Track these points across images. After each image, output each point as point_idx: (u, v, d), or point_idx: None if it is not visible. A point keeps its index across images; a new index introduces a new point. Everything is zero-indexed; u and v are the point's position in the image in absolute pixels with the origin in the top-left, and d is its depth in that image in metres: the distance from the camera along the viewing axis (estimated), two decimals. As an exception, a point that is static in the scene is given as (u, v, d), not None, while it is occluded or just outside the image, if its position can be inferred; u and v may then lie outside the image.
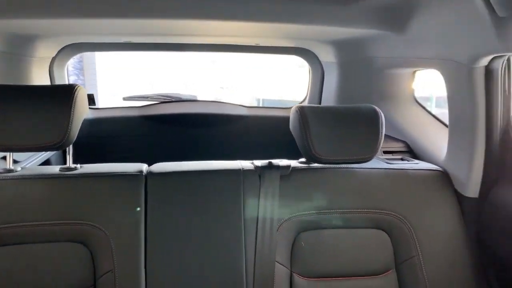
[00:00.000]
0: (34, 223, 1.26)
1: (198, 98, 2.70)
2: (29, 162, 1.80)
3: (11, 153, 1.39)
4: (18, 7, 1.35)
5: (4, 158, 1.54)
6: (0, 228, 1.24)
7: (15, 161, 1.65)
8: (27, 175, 1.33)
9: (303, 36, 1.91)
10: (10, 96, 1.24)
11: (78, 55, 2.26)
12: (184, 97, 2.64)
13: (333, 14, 1.44)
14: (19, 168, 1.38)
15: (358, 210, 1.40)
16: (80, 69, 7.50)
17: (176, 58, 8.52)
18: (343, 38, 1.81)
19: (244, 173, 1.41)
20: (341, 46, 1.98)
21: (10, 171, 1.35)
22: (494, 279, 1.41)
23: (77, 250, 1.27)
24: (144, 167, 1.41)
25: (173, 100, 2.53)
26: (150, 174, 1.38)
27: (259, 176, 1.40)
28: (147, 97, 2.58)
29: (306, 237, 1.38)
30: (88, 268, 1.27)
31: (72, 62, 7.47)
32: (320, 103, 2.37)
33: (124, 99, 2.66)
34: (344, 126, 1.37)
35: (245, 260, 1.32)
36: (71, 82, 1.31)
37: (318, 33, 1.78)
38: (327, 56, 2.16)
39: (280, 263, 1.34)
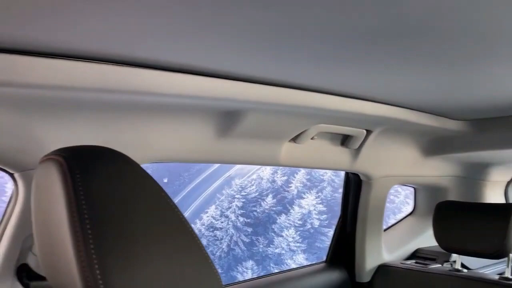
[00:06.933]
0: None
1: None
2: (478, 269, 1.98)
3: (459, 256, 1.67)
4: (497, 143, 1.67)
5: (454, 261, 1.82)
6: None
7: (464, 266, 1.90)
8: (469, 277, 1.54)
9: None
10: (464, 211, 1.56)
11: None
12: None
13: None
14: (465, 270, 1.63)
15: None
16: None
17: None
18: None
19: None
20: None
21: (457, 270, 1.62)
22: None
23: None
24: None
25: None
26: None
27: None
28: None
29: None
30: None
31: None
32: None
33: None
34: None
35: None
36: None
37: None
38: None
39: None
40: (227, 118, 1.08)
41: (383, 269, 1.78)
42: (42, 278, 0.90)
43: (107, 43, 0.70)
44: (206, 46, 0.73)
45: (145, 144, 1.03)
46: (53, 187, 0.52)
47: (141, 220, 0.53)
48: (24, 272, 0.92)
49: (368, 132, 1.44)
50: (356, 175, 1.72)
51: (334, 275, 1.76)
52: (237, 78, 0.93)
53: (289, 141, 1.31)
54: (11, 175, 0.91)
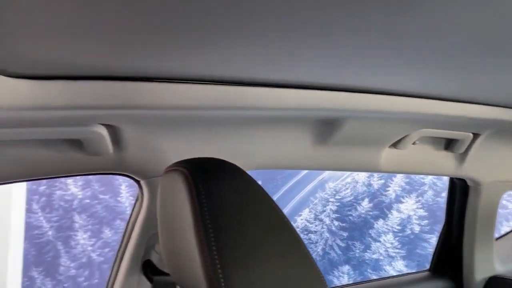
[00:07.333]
0: None
1: None
2: None
3: None
4: None
5: None
6: None
7: None
8: None
9: None
10: None
11: None
12: None
13: None
14: None
15: None
16: None
17: None
18: None
19: None
20: None
21: None
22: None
23: None
24: None
25: None
26: None
27: None
28: None
29: None
30: None
31: None
32: None
33: None
34: None
35: None
36: None
37: None
38: None
39: None
40: (326, 126, 1.11)
41: (495, 282, 1.64)
42: (164, 274, 1.01)
43: (221, 68, 0.78)
44: (309, 62, 0.76)
45: (249, 153, 1.10)
46: (179, 194, 0.60)
47: (254, 224, 0.58)
48: (148, 268, 1.04)
49: (475, 135, 1.35)
50: (462, 181, 1.62)
51: (439, 285, 1.68)
52: (336, 88, 0.96)
53: (389, 147, 1.29)
54: (137, 182, 1.04)
